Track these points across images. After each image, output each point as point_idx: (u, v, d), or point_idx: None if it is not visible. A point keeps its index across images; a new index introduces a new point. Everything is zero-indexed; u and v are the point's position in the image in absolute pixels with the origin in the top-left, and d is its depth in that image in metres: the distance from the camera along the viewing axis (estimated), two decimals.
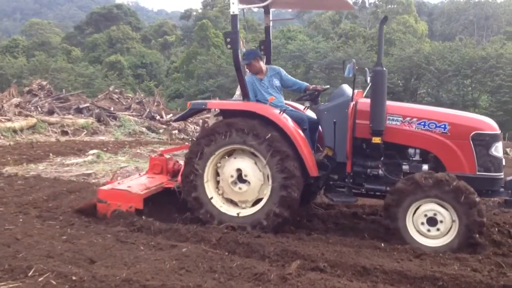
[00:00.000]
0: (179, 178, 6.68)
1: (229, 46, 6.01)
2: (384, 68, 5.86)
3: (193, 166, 6.15)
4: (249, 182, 6.09)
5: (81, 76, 49.48)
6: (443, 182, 5.41)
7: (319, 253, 5.14)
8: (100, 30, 65.66)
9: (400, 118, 5.99)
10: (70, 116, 18.80)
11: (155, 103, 27.19)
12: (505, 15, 78.03)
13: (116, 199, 6.35)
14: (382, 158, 6.10)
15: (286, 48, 46.18)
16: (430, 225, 5.52)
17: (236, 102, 6.50)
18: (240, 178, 6.11)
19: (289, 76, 6.96)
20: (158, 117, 21.18)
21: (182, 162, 7.49)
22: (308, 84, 6.88)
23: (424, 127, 5.93)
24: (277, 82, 6.70)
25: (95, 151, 12.63)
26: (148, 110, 21.73)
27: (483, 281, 4.48)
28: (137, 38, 65.63)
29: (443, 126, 5.87)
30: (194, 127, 21.02)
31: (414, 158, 6.07)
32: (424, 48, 47.45)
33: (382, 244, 5.58)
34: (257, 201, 6.17)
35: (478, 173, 5.78)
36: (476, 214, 5.32)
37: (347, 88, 6.39)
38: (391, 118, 5.95)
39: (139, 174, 7.44)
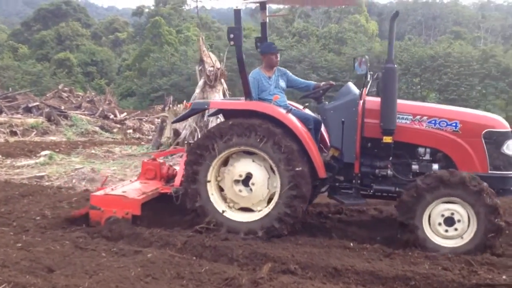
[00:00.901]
0: (176, 183, 6.47)
1: (232, 42, 5.77)
2: (396, 65, 5.73)
3: (195, 171, 5.90)
4: (251, 189, 5.88)
5: (28, 74, 47.76)
6: (466, 181, 5.29)
7: (289, 255, 5.09)
8: (48, 26, 63.61)
9: (410, 117, 5.87)
10: (19, 116, 18.09)
11: (107, 102, 26.59)
12: (451, 15, 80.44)
13: (111, 205, 6.06)
14: (390, 158, 5.95)
15: None
16: (447, 225, 5.41)
17: (240, 102, 6.20)
18: (245, 181, 5.90)
19: (296, 77, 6.81)
20: (111, 116, 20.65)
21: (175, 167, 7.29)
22: (316, 83, 6.73)
23: (434, 125, 5.84)
24: (283, 84, 6.54)
25: (47, 152, 12.16)
26: (101, 109, 21.17)
27: (455, 280, 4.53)
28: (87, 35, 63.95)
29: (454, 124, 5.79)
30: (149, 126, 20.63)
31: (424, 158, 5.96)
32: (375, 47, 48.24)
33: (351, 244, 5.60)
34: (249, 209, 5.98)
35: (490, 172, 5.71)
36: (495, 216, 5.26)
37: (353, 86, 6.24)
38: (401, 116, 5.82)
39: (130, 180, 7.14)
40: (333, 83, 6.61)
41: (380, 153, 5.95)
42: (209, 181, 5.92)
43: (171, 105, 35.05)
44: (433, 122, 5.84)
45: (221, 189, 6.03)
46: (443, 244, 5.43)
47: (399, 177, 5.91)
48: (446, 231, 5.42)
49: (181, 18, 65.68)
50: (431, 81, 44.68)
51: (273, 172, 5.81)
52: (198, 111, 6.51)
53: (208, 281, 4.48)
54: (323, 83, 6.66)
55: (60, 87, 27.10)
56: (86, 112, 20.62)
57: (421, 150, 5.95)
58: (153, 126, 20.89)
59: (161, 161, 7.30)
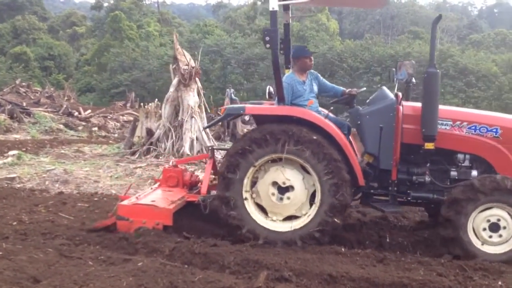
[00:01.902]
0: (203, 190, 6.19)
1: (268, 45, 5.51)
2: (438, 70, 5.58)
3: (230, 179, 5.66)
4: (289, 197, 5.68)
5: None
6: (508, 186, 5.24)
7: (282, 261, 4.97)
8: (4, 20, 61.53)
9: (450, 122, 5.74)
10: None
11: (66, 97, 25.86)
12: (409, 15, 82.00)
13: (140, 215, 5.74)
14: (428, 165, 5.84)
15: (203, 43, 45.59)
16: (492, 231, 5.33)
17: (277, 107, 5.90)
18: (281, 189, 5.69)
19: (325, 80, 6.59)
20: (76, 113, 20.11)
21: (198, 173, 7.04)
22: (344, 89, 6.54)
23: (475, 131, 5.72)
24: (315, 88, 6.35)
25: (15, 151, 11.68)
26: (65, 106, 20.58)
27: (452, 286, 4.52)
28: (44, 29, 62.15)
29: (494, 130, 5.68)
30: (114, 124, 20.21)
31: (463, 164, 5.83)
32: (336, 46, 48.76)
33: (343, 249, 5.51)
34: (288, 217, 5.76)
35: None
36: None
37: (388, 91, 6.09)
38: (440, 122, 5.66)
39: (151, 188, 6.79)
40: (357, 90, 6.44)
41: (418, 160, 5.83)
42: (247, 191, 5.73)
43: (133, 102, 35.03)
44: (473, 128, 5.73)
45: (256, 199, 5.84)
46: (488, 251, 5.37)
47: (437, 184, 5.79)
48: (490, 236, 5.36)
49: (142, 13, 64.60)
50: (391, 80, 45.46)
51: (307, 172, 5.63)
52: (232, 116, 6.22)
53: None
54: (348, 89, 6.48)
55: (17, 82, 26.17)
56: (49, 109, 19.98)
57: (460, 156, 5.82)
58: (118, 124, 20.44)
59: (183, 167, 7.00)
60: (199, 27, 57.21)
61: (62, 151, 12.67)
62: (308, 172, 5.62)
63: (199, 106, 12.53)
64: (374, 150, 5.81)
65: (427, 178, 5.79)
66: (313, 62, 6.30)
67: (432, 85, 5.55)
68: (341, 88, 6.59)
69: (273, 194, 5.67)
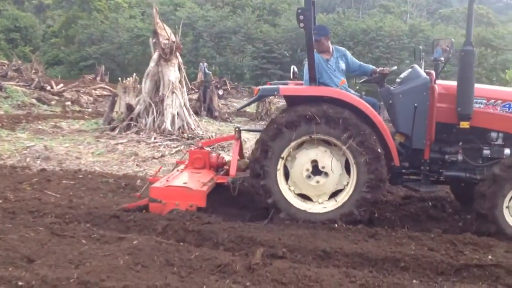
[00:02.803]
0: (231, 172, 6.09)
1: (301, 24, 5.35)
2: (474, 48, 5.51)
3: (262, 163, 5.55)
4: (326, 174, 5.60)
5: None
6: None
7: (276, 238, 4.98)
8: None
9: (484, 101, 5.68)
10: None
11: (33, 70, 25.15)
12: None
13: (174, 197, 5.65)
14: (460, 143, 5.81)
15: (175, 15, 44.83)
16: None
17: (313, 88, 5.72)
18: (315, 170, 5.61)
19: (355, 59, 6.47)
20: (48, 88, 19.61)
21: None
22: (374, 67, 6.42)
23: (509, 109, 5.67)
24: (343, 65, 6.22)
25: None
26: (37, 79, 20.03)
27: (444, 260, 4.59)
28: (8, 0, 60.05)
29: None
30: (87, 98, 19.83)
31: (496, 142, 5.78)
32: None
33: (336, 225, 5.57)
34: (333, 194, 5.70)
35: None
36: None
37: (420, 70, 6.00)
38: (474, 100, 5.60)
39: (177, 170, 6.64)
40: (389, 69, 6.31)
41: (451, 139, 5.80)
42: (288, 187, 5.69)
43: (103, 75, 34.36)
44: (508, 106, 5.68)
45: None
46: None
47: (470, 163, 5.77)
48: None
49: None
50: (363, 54, 45.65)
51: (330, 145, 5.60)
52: (266, 97, 6.05)
53: (200, 268, 4.30)
54: (380, 68, 6.39)
55: None
56: (20, 83, 19.42)
57: (493, 134, 5.77)
58: (91, 98, 20.06)
59: (208, 149, 6.92)
60: None
61: (39, 127, 12.36)
62: (331, 144, 5.59)
63: (180, 82, 12.36)
64: (407, 129, 5.75)
65: (460, 157, 5.77)
66: (328, 42, 6.18)
67: (468, 63, 5.52)
68: (371, 66, 6.51)
69: (318, 181, 5.63)
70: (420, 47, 6.20)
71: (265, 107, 18.64)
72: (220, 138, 7.99)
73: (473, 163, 5.78)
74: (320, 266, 4.57)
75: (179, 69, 12.37)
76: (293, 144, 5.53)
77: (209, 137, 11.29)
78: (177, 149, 10.41)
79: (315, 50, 5.86)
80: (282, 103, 28.55)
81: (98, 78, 32.59)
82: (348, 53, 6.37)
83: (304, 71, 6.13)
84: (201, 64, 32.23)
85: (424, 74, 5.88)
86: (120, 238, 4.89)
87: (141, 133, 11.36)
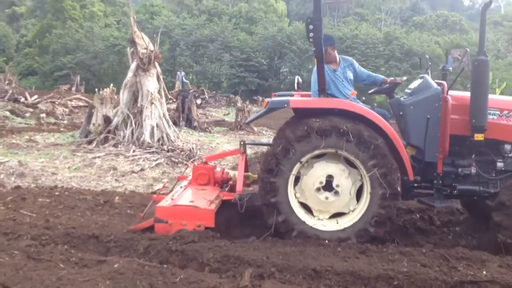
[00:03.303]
0: (238, 188, 5.87)
1: (311, 34, 5.18)
2: (488, 58, 5.36)
3: (280, 160, 5.33)
4: (337, 193, 5.43)
5: None
6: None
7: (264, 256, 4.80)
8: None
9: (497, 112, 5.55)
10: None
11: (7, 82, 24.57)
12: None
13: (180, 217, 5.41)
14: (473, 156, 5.66)
15: (151, 24, 44.49)
16: None
17: (325, 100, 5.54)
18: (326, 186, 5.43)
19: (362, 68, 6.30)
20: (22, 99, 19.13)
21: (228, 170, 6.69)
22: (384, 77, 6.25)
23: None
24: (350, 75, 6.06)
25: None
26: (10, 91, 19.54)
27: (438, 277, 4.49)
28: None
29: None
30: (63, 109, 19.38)
31: (510, 155, 5.65)
32: (286, 28, 48.77)
33: (325, 241, 5.41)
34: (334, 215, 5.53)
35: None
36: None
37: (431, 80, 5.84)
38: (488, 112, 5.47)
39: (181, 187, 6.37)
40: (402, 79, 6.19)
41: (464, 151, 5.67)
42: (294, 193, 5.48)
43: (79, 85, 33.86)
44: None
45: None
46: None
47: (483, 176, 5.64)
48: None
49: None
50: None
51: (351, 166, 5.39)
52: (276, 109, 5.81)
53: None
54: (391, 78, 6.24)
55: None
56: None
57: (507, 146, 5.65)
58: (66, 110, 19.62)
59: (213, 164, 6.65)
60: (145, 7, 55.83)
61: (13, 141, 11.94)
62: (352, 166, 5.41)
63: (159, 92, 12.10)
64: (419, 142, 5.59)
65: (473, 170, 5.62)
66: (335, 51, 6.05)
67: (482, 74, 5.39)
68: (380, 76, 6.38)
69: (326, 198, 5.46)
70: (427, 56, 6.07)
71: (244, 116, 18.48)
72: (224, 153, 7.73)
73: (487, 176, 5.65)
74: (311, 286, 4.43)
75: (158, 79, 12.12)
76: (317, 152, 5.33)
77: (190, 149, 11.05)
78: (157, 162, 10.15)
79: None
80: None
81: (74, 89, 32.22)
82: (356, 63, 6.24)
83: (312, 82, 5.99)
84: (178, 73, 31.99)
85: (435, 85, 5.74)
86: (100, 261, 4.66)
87: (119, 146, 11.06)
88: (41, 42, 49.77)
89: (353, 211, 5.46)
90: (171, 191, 6.61)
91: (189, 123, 17.24)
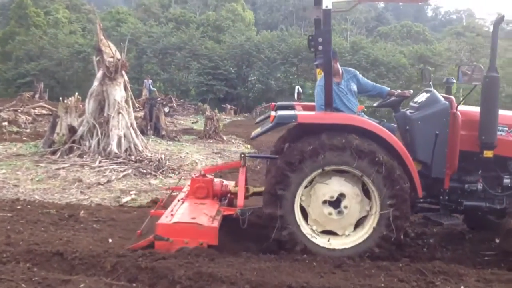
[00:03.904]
0: (239, 203, 5.69)
1: (320, 47, 5.13)
2: (498, 74, 5.30)
3: (279, 195, 5.25)
4: (341, 213, 5.34)
5: None
6: None
7: (237, 273, 4.68)
8: None
9: (505, 128, 5.56)
10: None
11: None
12: None
13: (182, 235, 5.20)
14: (480, 172, 5.61)
15: (117, 31, 43.87)
16: None
17: (334, 115, 5.48)
18: (333, 203, 5.34)
19: (366, 79, 6.18)
20: None
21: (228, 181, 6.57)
22: (390, 89, 6.14)
23: None
24: (354, 87, 5.93)
25: None
26: None
27: None
28: None
29: None
30: (26, 118, 18.84)
31: None
32: (253, 37, 48.85)
33: (298, 256, 5.28)
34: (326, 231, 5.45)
35: None
36: None
37: (439, 95, 5.77)
38: None
39: (178, 200, 6.15)
40: (410, 92, 6.13)
41: (471, 167, 5.64)
42: (301, 205, 5.40)
43: (42, 92, 33.08)
44: None
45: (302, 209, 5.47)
46: None
47: (490, 192, 5.63)
48: None
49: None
50: (307, 71, 46.25)
51: (367, 193, 5.34)
52: (283, 125, 5.65)
53: None
54: (397, 91, 6.16)
55: None
56: None
57: None
58: (29, 118, 19.08)
59: (211, 176, 6.43)
60: (111, 14, 55.11)
61: None
62: (344, 171, 5.36)
63: (126, 101, 11.82)
64: (426, 157, 5.55)
65: (479, 186, 5.61)
66: (337, 64, 5.94)
67: (493, 90, 5.37)
68: (386, 88, 6.29)
69: (330, 213, 5.37)
70: (429, 68, 6.00)
71: (213, 125, 18.28)
72: (224, 165, 7.48)
73: (493, 192, 5.64)
74: None
75: (125, 88, 11.85)
76: (331, 168, 5.27)
77: (159, 159, 10.80)
78: (124, 173, 9.87)
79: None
80: (229, 120, 28.43)
81: (37, 96, 31.51)
82: (359, 74, 6.15)
83: (316, 96, 5.91)
84: (145, 80, 31.61)
85: (442, 99, 5.71)
86: (65, 280, 4.45)
87: (84, 156, 10.72)
88: (4, 49, 48.67)
89: (347, 236, 5.39)
90: (162, 202, 6.52)
91: (157, 131, 16.97)
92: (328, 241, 5.39)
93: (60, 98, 12.57)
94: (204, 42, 46.20)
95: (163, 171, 10.26)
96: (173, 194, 6.84)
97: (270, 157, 6.26)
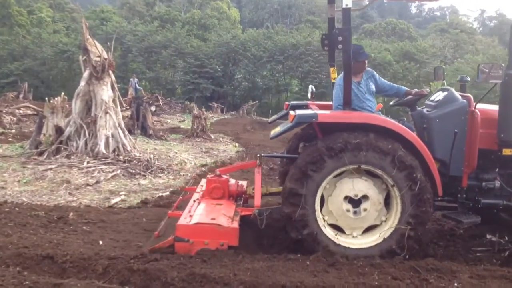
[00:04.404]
0: (256, 203, 5.66)
1: (340, 46, 5.06)
2: None
3: (300, 193, 5.19)
4: (366, 208, 5.30)
5: None
6: None
7: (231, 273, 4.64)
8: None
9: None
10: None
11: None
12: (305, 4, 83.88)
13: (203, 236, 5.15)
14: (497, 169, 5.60)
15: (102, 30, 43.53)
16: None
17: (356, 114, 5.45)
18: (353, 202, 5.30)
19: (382, 79, 6.14)
20: None
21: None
22: (407, 89, 6.11)
23: None
24: (372, 87, 5.91)
25: None
26: None
27: None
28: None
29: None
30: (11, 118, 18.60)
31: None
32: (239, 35, 48.78)
33: (292, 256, 5.26)
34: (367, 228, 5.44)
35: None
36: None
37: (456, 93, 5.76)
38: None
39: (194, 200, 6.10)
40: (427, 91, 6.11)
41: (488, 165, 5.64)
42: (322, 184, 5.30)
43: (27, 92, 32.68)
44: None
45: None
46: None
47: (507, 189, 5.63)
48: None
49: None
50: (293, 69, 46.34)
51: (374, 176, 5.31)
52: (303, 124, 5.54)
53: None
54: (415, 90, 6.14)
55: None
56: None
57: None
58: (14, 118, 18.83)
59: (226, 176, 6.36)
60: (96, 13, 54.69)
61: None
62: (375, 176, 5.33)
63: (114, 101, 11.70)
64: (445, 156, 5.51)
65: (497, 184, 5.62)
66: (366, 64, 5.95)
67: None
68: (403, 87, 6.27)
69: (348, 210, 5.34)
70: (443, 66, 5.98)
71: (200, 123, 18.21)
72: (238, 165, 7.43)
73: (510, 190, 5.65)
74: None
75: (112, 87, 11.72)
76: (368, 167, 5.23)
77: (148, 159, 10.71)
78: (113, 173, 9.76)
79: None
80: (216, 119, 28.35)
81: (21, 96, 31.06)
82: (376, 74, 6.12)
83: (334, 96, 5.89)
84: (131, 79, 31.38)
85: (460, 98, 5.70)
86: (56, 284, 4.38)
87: (72, 157, 10.59)
88: None
89: (354, 237, 5.40)
90: (176, 204, 6.52)
91: (144, 131, 16.86)
92: (336, 235, 5.38)
93: (46, 98, 12.39)
94: (189, 40, 46.04)
95: (152, 171, 10.17)
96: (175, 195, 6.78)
97: (288, 156, 6.25)
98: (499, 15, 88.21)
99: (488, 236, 5.86)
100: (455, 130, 5.44)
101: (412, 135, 5.28)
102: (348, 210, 5.34)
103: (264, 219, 5.46)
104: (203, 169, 11.18)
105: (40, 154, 11.04)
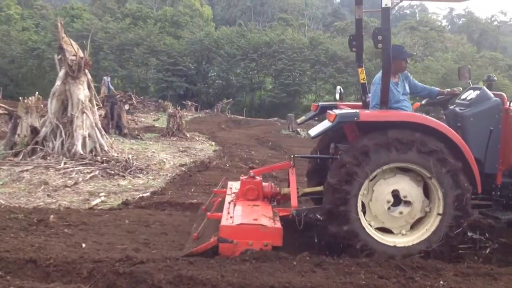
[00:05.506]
0: (293, 203, 5.65)
1: (380, 45, 5.07)
2: None
3: (341, 190, 5.17)
4: (409, 203, 5.29)
5: None
6: None
7: (218, 275, 4.62)
8: None
9: None
10: None
11: None
12: (278, 2, 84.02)
13: (247, 236, 5.12)
14: None
15: (72, 27, 42.82)
16: None
17: (395, 112, 5.45)
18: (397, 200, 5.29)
19: (416, 80, 6.15)
20: None
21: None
22: (439, 89, 6.12)
23: None
24: (407, 88, 5.88)
25: None
26: None
27: None
28: None
29: None
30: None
31: None
32: (213, 32, 48.66)
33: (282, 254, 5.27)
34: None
35: None
36: None
37: (489, 92, 5.77)
38: None
39: (229, 202, 6.04)
40: (459, 90, 6.12)
41: None
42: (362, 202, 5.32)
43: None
44: None
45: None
46: None
47: None
48: None
49: None
50: (267, 67, 46.50)
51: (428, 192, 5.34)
52: (345, 123, 5.46)
53: None
54: (447, 90, 6.17)
55: None
56: None
57: None
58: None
59: (260, 178, 6.32)
60: (66, 10, 53.70)
61: None
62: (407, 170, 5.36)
63: (90, 100, 11.52)
64: (480, 153, 5.54)
65: None
66: (407, 64, 5.96)
67: None
68: (435, 88, 6.31)
69: (389, 209, 5.37)
70: (469, 66, 6.03)
71: (176, 122, 18.10)
72: (273, 166, 7.37)
73: None
74: None
75: (89, 87, 11.55)
76: (412, 166, 5.26)
77: (126, 159, 10.58)
78: (91, 174, 9.61)
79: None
80: (190, 117, 28.19)
81: None
82: (410, 76, 6.14)
83: (372, 95, 5.87)
84: (104, 77, 30.96)
85: (493, 96, 5.76)
86: None
87: (48, 158, 10.39)
88: None
89: (403, 235, 5.46)
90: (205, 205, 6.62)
91: (119, 130, 16.68)
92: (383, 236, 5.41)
93: (20, 98, 12.12)
94: (162, 38, 45.76)
95: (131, 171, 10.06)
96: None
97: (321, 157, 6.31)
98: (467, 13, 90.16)
99: (469, 234, 5.96)
100: (490, 128, 5.51)
101: (454, 134, 5.32)
102: (388, 208, 5.38)
103: (302, 219, 5.48)
104: (183, 168, 11.12)
105: (16, 155, 10.80)
